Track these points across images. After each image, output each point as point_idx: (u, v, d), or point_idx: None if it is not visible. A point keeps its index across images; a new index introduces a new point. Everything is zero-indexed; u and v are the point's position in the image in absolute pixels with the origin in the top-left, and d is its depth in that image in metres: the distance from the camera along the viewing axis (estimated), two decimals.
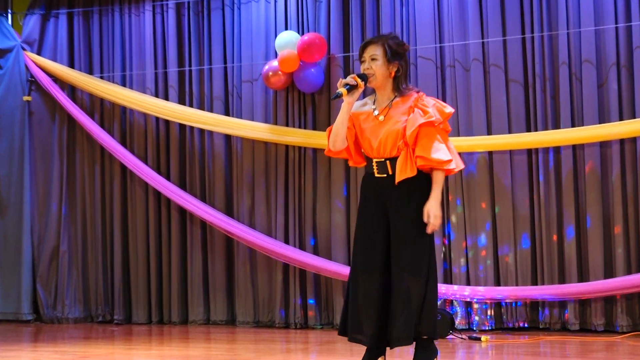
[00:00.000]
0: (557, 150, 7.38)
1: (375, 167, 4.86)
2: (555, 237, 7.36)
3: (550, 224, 7.38)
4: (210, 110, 8.55)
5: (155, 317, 8.70)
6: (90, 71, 9.04)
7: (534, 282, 7.42)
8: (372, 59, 4.82)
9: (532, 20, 7.48)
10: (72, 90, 9.02)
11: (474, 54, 7.61)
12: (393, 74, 4.85)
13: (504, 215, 7.51)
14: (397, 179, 4.73)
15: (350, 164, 5.09)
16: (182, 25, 8.75)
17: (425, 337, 4.81)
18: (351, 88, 4.73)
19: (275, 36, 8.21)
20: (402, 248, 4.74)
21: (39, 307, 9.02)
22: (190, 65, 8.68)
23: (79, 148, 9.06)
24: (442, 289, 7.43)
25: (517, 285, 7.42)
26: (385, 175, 4.82)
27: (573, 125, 7.32)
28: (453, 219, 7.64)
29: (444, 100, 7.64)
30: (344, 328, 4.94)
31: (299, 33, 8.15)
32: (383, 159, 4.82)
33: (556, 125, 7.39)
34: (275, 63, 8.00)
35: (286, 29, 8.26)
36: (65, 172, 9.03)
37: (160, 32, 8.81)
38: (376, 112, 4.86)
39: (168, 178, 8.64)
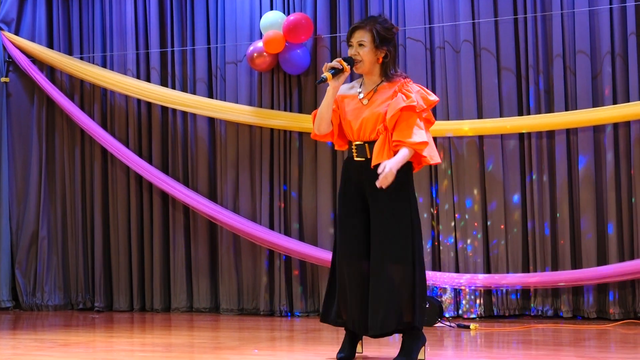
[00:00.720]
0: (550, 134, 7.32)
1: (354, 150, 4.92)
2: (547, 224, 7.31)
3: (542, 210, 7.33)
4: (194, 92, 8.47)
5: (137, 305, 8.63)
6: (69, 52, 8.93)
7: (525, 270, 7.38)
8: (360, 45, 4.86)
9: (525, 2, 7.41)
10: (51, 72, 8.93)
11: (464, 35, 7.54)
12: (381, 59, 4.90)
13: (495, 201, 7.45)
14: (373, 162, 4.77)
15: (336, 148, 5.12)
16: (164, 4, 8.64)
17: (413, 326, 4.80)
18: (337, 72, 4.80)
19: (260, 16, 8.13)
20: (382, 234, 4.79)
21: (18, 294, 8.93)
22: (172, 46, 8.59)
23: (58, 131, 8.97)
24: (431, 275, 7.38)
25: (507, 272, 7.38)
26: (363, 159, 4.88)
27: (567, 109, 7.28)
28: (442, 204, 7.58)
29: (434, 82, 7.63)
30: (326, 315, 5.03)
31: (284, 13, 8.07)
32: (362, 142, 4.88)
33: (550, 110, 7.34)
34: (260, 44, 7.93)
35: (271, 8, 8.19)
36: (45, 156, 8.93)
37: (142, 12, 8.69)
38: (361, 96, 4.92)
39: (150, 162, 8.56)
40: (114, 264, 8.74)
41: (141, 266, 8.66)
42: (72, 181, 8.92)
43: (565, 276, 7.09)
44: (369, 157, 4.84)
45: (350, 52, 4.87)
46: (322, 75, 4.77)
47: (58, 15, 8.95)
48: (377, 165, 4.74)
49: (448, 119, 7.54)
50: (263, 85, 8.18)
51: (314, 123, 5.01)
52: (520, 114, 7.42)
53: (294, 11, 8.08)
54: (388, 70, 4.91)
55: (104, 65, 8.79)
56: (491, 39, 7.49)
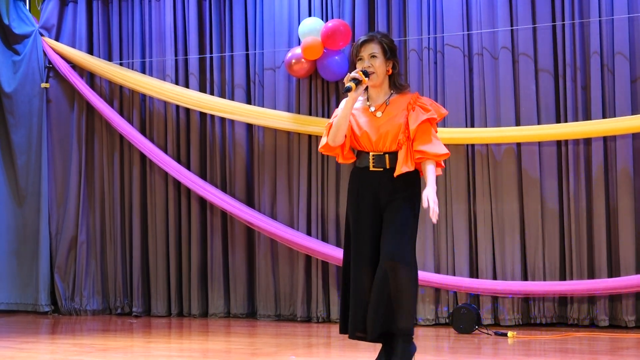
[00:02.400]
0: (587, 142, 7.39)
1: (371, 161, 5.00)
2: (584, 231, 7.38)
3: (579, 218, 7.40)
4: (232, 98, 8.60)
5: (174, 310, 8.77)
6: (109, 58, 9.09)
7: (563, 277, 7.45)
8: (372, 57, 4.97)
9: (563, 7, 7.48)
10: (90, 77, 9.09)
11: (502, 42, 7.62)
12: (390, 71, 5.03)
13: (532, 208, 7.53)
14: (397, 171, 4.89)
15: (340, 160, 5.17)
16: (203, 11, 8.78)
17: (406, 332, 4.90)
18: (358, 83, 4.86)
19: (299, 23, 8.25)
20: (390, 235, 4.88)
21: (57, 298, 9.10)
22: (211, 52, 8.70)
23: (97, 136, 9.13)
24: (468, 282, 7.51)
25: (545, 280, 7.46)
26: (381, 169, 4.98)
27: (604, 117, 7.32)
28: (480, 211, 7.67)
29: (472, 89, 7.76)
30: (344, 325, 5.07)
31: (322, 20, 8.17)
32: (382, 153, 4.97)
33: (587, 117, 7.40)
34: (298, 50, 8.04)
35: (310, 15, 8.30)
36: (84, 161, 9.09)
37: (181, 18, 8.84)
38: (372, 109, 5.02)
39: (188, 167, 8.69)
40: (152, 269, 8.87)
41: (179, 271, 8.80)
42: (111, 186, 9.06)
43: (603, 284, 7.16)
44: (387, 167, 4.95)
45: (362, 65, 4.95)
46: (347, 85, 4.84)
47: (98, 21, 9.12)
48: (396, 176, 4.88)
49: (486, 126, 7.63)
50: (301, 92, 8.29)
51: (327, 135, 5.05)
52: (558, 120, 7.50)
53: (332, 18, 8.19)
54: (397, 82, 5.05)
55: (143, 71, 8.94)
56: (529, 46, 7.57)
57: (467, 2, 7.79)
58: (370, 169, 5.00)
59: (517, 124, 7.60)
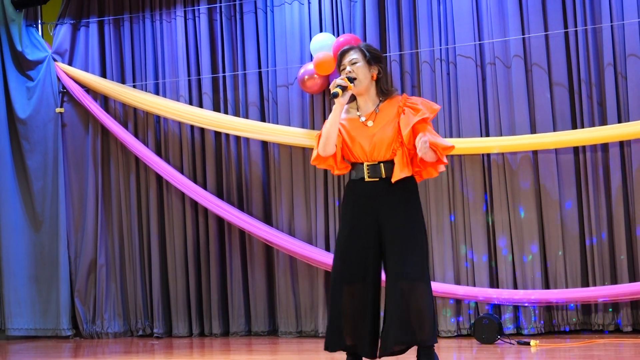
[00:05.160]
0: (604, 147, 7.44)
1: (366, 171, 4.99)
2: (605, 237, 7.43)
3: (599, 224, 7.45)
4: (246, 116, 8.67)
5: (196, 330, 8.82)
6: (122, 80, 9.18)
7: (585, 284, 7.50)
8: (353, 63, 5.01)
9: (575, 13, 7.55)
10: (104, 100, 9.17)
11: (514, 51, 7.68)
12: (375, 76, 5.05)
13: (551, 216, 7.59)
14: (395, 177, 4.90)
15: (335, 172, 5.18)
16: (214, 31, 8.87)
17: (428, 344, 4.91)
18: (344, 89, 4.91)
19: (310, 39, 8.33)
20: (399, 252, 4.86)
21: (78, 322, 9.15)
22: (224, 71, 8.79)
23: (113, 159, 9.20)
24: (489, 292, 7.56)
25: (567, 287, 7.51)
26: (377, 178, 4.97)
27: (619, 121, 7.39)
28: (498, 221, 7.72)
29: (485, 99, 7.81)
30: (331, 343, 5.05)
31: (334, 35, 8.27)
32: (376, 162, 4.97)
33: (603, 121, 7.45)
34: (310, 66, 8.12)
35: (321, 30, 8.38)
36: (100, 184, 9.16)
37: (193, 38, 8.93)
38: (363, 119, 5.03)
39: (205, 187, 8.76)
40: (172, 289, 8.93)
41: (199, 291, 8.85)
42: (128, 208, 9.13)
43: (625, 289, 7.19)
44: (384, 176, 4.94)
45: (344, 73, 5.00)
46: (334, 91, 4.86)
47: (110, 44, 9.21)
48: (393, 185, 4.92)
49: (501, 135, 7.69)
50: (315, 107, 8.36)
51: (317, 146, 5.04)
52: (574, 126, 7.54)
53: (344, 32, 8.26)
54: (383, 87, 5.05)
55: (156, 93, 9.02)
56: (542, 53, 7.63)
57: (478, 12, 7.86)
58: (366, 180, 4.99)
59: (533, 132, 7.66)
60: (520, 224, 7.66)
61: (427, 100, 5.11)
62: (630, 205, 7.38)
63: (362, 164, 5.01)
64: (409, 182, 4.99)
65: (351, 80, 4.95)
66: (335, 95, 4.87)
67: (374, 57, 5.05)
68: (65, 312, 9.13)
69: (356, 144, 5.00)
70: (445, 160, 5.01)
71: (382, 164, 4.96)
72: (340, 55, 5.09)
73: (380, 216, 4.96)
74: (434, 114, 5.03)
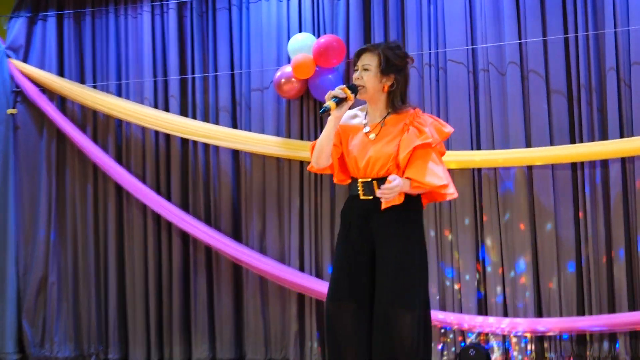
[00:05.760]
0: (604, 164, 7.47)
1: (360, 188, 4.99)
2: (604, 261, 7.45)
3: (597, 247, 7.48)
4: (216, 122, 8.66)
5: (155, 356, 8.74)
6: (82, 80, 9.13)
7: (581, 312, 7.51)
8: (365, 69, 4.98)
9: (576, 19, 7.59)
10: (62, 102, 9.12)
11: (510, 57, 7.71)
12: (387, 88, 5.00)
13: (545, 237, 7.62)
14: (384, 205, 4.83)
15: (335, 180, 5.21)
16: (184, 28, 8.85)
17: None
18: (340, 101, 4.88)
19: (288, 39, 8.33)
20: (390, 278, 4.84)
21: (25, 345, 9.05)
22: (193, 73, 8.78)
23: (69, 166, 9.14)
24: (478, 320, 7.58)
25: (561, 315, 7.53)
26: (371, 197, 4.95)
27: (622, 136, 7.42)
28: (488, 241, 7.74)
29: (477, 108, 7.83)
30: None
31: (314, 35, 8.26)
32: (370, 180, 4.96)
33: (603, 136, 7.49)
34: (288, 69, 8.11)
35: (300, 30, 8.38)
36: (55, 193, 9.11)
37: (160, 36, 8.91)
38: (367, 129, 5.03)
39: (169, 199, 8.72)
40: (130, 311, 8.86)
41: (159, 313, 8.79)
42: (84, 221, 9.07)
43: (624, 319, 7.22)
44: (377, 195, 4.85)
45: (355, 76, 5.01)
46: (325, 105, 4.84)
47: (70, 40, 9.18)
48: (383, 209, 4.86)
49: (494, 148, 7.73)
50: (292, 114, 8.36)
51: (312, 155, 5.07)
52: (573, 140, 7.58)
53: (325, 33, 8.27)
54: (395, 101, 4.98)
55: (119, 94, 8.97)
56: (539, 60, 7.66)
57: (472, 14, 7.89)
58: (360, 198, 4.99)
59: (528, 145, 7.69)
60: (513, 245, 7.68)
61: (440, 121, 5.07)
62: (632, 227, 7.41)
63: (357, 180, 5.03)
64: (409, 202, 4.93)
65: (354, 89, 4.93)
66: (326, 110, 4.85)
67: (392, 67, 4.97)
68: (11, 334, 9.03)
69: (351, 158, 5.03)
70: (450, 191, 4.94)
71: (375, 181, 4.95)
72: (356, 55, 5.07)
73: (374, 237, 4.96)
74: (442, 138, 5.00)
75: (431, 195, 5.05)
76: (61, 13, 9.25)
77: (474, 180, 7.83)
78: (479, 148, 7.84)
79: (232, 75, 8.70)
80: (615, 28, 7.44)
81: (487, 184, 7.76)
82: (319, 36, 8.27)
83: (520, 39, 7.75)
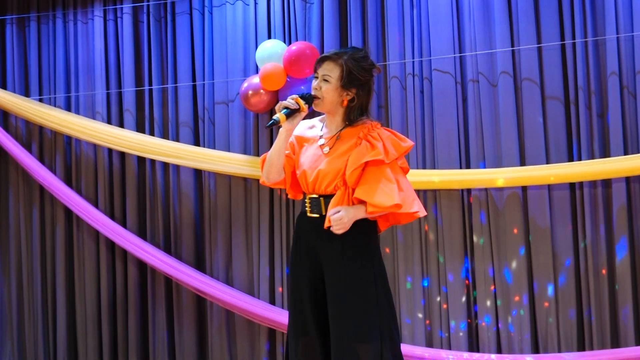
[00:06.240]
0: (606, 183, 7.41)
1: (308, 205, 5.04)
2: (606, 290, 7.36)
3: (598, 274, 7.39)
4: (176, 139, 8.63)
5: None
6: (26, 92, 9.12)
7: (581, 347, 7.44)
8: (324, 80, 4.99)
9: (574, 24, 7.52)
10: (3, 117, 9.10)
11: (502, 66, 7.64)
12: (346, 102, 5.01)
13: (542, 264, 7.53)
14: (326, 223, 4.84)
15: (290, 195, 5.27)
16: (140, 34, 8.82)
17: None
18: (291, 113, 4.91)
19: (256, 46, 8.29)
20: (340, 308, 4.84)
21: None
22: (150, 84, 8.74)
23: (12, 188, 9.13)
24: (468, 358, 7.45)
25: (559, 351, 7.44)
26: (318, 215, 4.99)
27: (625, 153, 7.36)
28: (479, 271, 7.65)
29: (466, 122, 7.76)
30: None
31: (285, 42, 8.23)
32: (317, 196, 4.99)
33: (605, 153, 7.43)
34: (256, 80, 8.05)
35: (269, 37, 8.34)
36: None
37: (114, 43, 8.87)
38: (322, 141, 5.06)
39: (124, 224, 8.70)
40: (81, 348, 8.81)
41: (114, 351, 8.74)
42: (29, 249, 9.03)
43: (629, 353, 7.12)
44: (324, 213, 4.93)
45: (313, 84, 5.02)
46: (274, 117, 4.87)
47: (12, 48, 9.14)
48: (326, 227, 4.85)
49: (485, 167, 7.66)
50: (260, 129, 8.30)
51: (262, 169, 5.15)
52: (571, 158, 7.51)
53: (297, 39, 8.22)
54: (352, 115, 5.00)
55: (67, 108, 8.94)
56: (534, 69, 7.58)
57: (459, 18, 7.82)
58: (308, 215, 5.03)
59: (522, 163, 7.62)
60: (505, 275, 7.60)
61: (398, 135, 5.07)
62: (637, 253, 7.35)
63: (305, 195, 5.08)
64: (358, 222, 4.88)
65: (309, 100, 4.96)
66: (274, 123, 4.87)
67: (354, 80, 4.97)
68: None
69: (302, 172, 5.07)
70: (414, 209, 4.93)
71: (322, 198, 4.97)
72: (318, 61, 5.07)
73: (321, 259, 4.98)
74: (401, 154, 5.01)
75: (393, 216, 5.06)
76: (2, 18, 9.21)
77: (463, 202, 7.76)
78: (468, 166, 7.76)
79: (194, 87, 8.66)
80: (617, 34, 7.38)
81: (478, 207, 7.69)
82: (290, 43, 8.23)
83: (512, 45, 7.68)
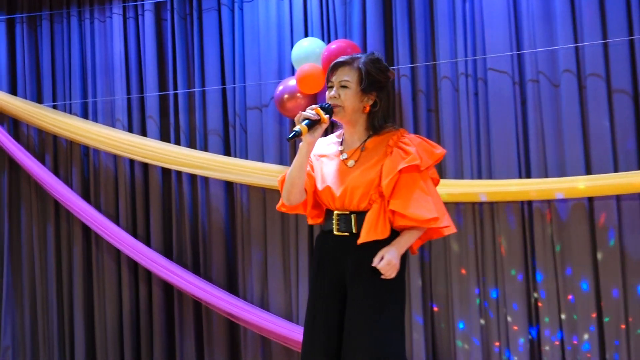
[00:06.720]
0: None
1: (335, 222, 5.04)
2: None
3: None
4: (204, 148, 8.63)
5: None
6: (39, 99, 9.16)
7: None
8: (342, 86, 5.03)
9: None
10: (14, 125, 9.16)
11: (565, 64, 7.55)
12: (368, 108, 5.07)
13: (611, 284, 7.39)
14: (362, 238, 4.88)
15: (310, 222, 5.28)
16: (163, 34, 8.86)
17: None
18: (312, 124, 4.94)
19: (292, 45, 8.27)
20: (359, 329, 4.85)
21: None
22: (175, 88, 8.76)
23: (25, 203, 9.18)
24: None
25: None
26: (347, 233, 5.01)
27: None
28: (543, 290, 7.54)
29: (525, 127, 7.70)
30: None
31: (323, 40, 8.19)
32: (347, 212, 5.00)
33: None
34: (292, 82, 8.04)
35: (306, 35, 8.33)
36: (7, 237, 9.14)
37: (134, 44, 8.90)
38: (344, 156, 5.09)
39: (148, 243, 8.71)
40: None
41: None
42: (44, 271, 9.05)
43: None
44: (354, 231, 4.95)
45: (329, 94, 5.05)
46: (295, 129, 4.89)
47: (23, 50, 9.20)
48: (365, 243, 4.88)
49: (546, 175, 7.56)
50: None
51: (281, 190, 5.15)
52: None
53: (337, 38, 8.19)
54: (376, 122, 5.06)
55: (84, 116, 8.97)
56: (600, 67, 7.48)
57: (516, 13, 7.75)
58: (334, 234, 5.04)
59: (588, 171, 7.51)
60: (573, 294, 7.48)
61: (428, 142, 5.12)
62: None
63: (332, 212, 5.08)
64: (388, 239, 4.95)
65: (329, 110, 4.99)
66: (296, 135, 4.90)
67: (374, 83, 5.04)
68: None
69: (325, 188, 5.07)
70: (444, 224, 5.00)
71: (353, 215, 5.00)
72: (331, 69, 5.11)
73: (347, 281, 5.00)
74: (434, 161, 5.07)
75: (426, 232, 5.12)
76: (12, 17, 9.26)
77: (523, 215, 7.68)
78: (528, 176, 7.68)
79: (224, 91, 8.67)
80: None
81: (540, 220, 7.58)
82: (329, 41, 8.22)
83: (576, 41, 7.58)
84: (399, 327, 4.95)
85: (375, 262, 4.81)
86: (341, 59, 5.08)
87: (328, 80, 5.08)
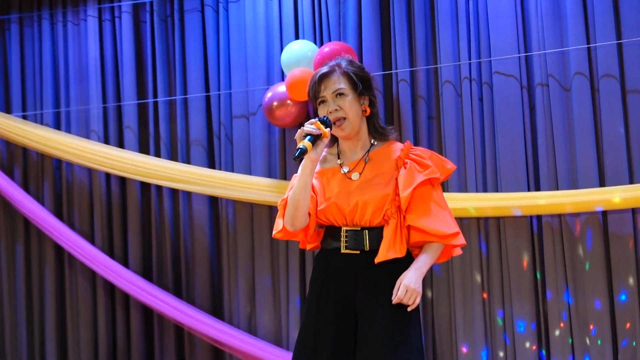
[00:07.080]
0: None
1: (344, 240, 4.96)
2: None
3: None
4: (187, 161, 8.64)
5: None
6: (7, 108, 9.17)
7: None
8: (338, 95, 4.98)
9: None
10: None
11: (576, 66, 7.50)
12: (368, 110, 5.06)
13: (628, 303, 7.32)
14: (381, 257, 4.83)
15: (308, 247, 5.19)
16: (142, 37, 8.87)
17: None
18: (315, 139, 4.86)
19: (282, 49, 8.24)
20: (378, 354, 4.76)
21: None
22: (155, 96, 8.76)
23: None
24: None
25: None
26: (358, 251, 4.93)
27: None
28: (553, 311, 7.46)
29: (534, 134, 7.67)
30: None
31: (316, 43, 8.17)
32: (359, 228, 4.93)
33: None
34: (282, 88, 8.01)
35: (297, 37, 8.31)
36: None
37: (111, 48, 8.91)
38: (345, 169, 5.04)
39: (125, 263, 8.69)
40: None
41: None
42: (12, 293, 9.09)
43: None
44: (367, 249, 4.89)
45: (326, 109, 4.97)
46: (300, 146, 4.81)
47: None
48: (377, 262, 4.83)
49: (557, 188, 7.50)
50: (287, 147, 8.25)
51: (283, 215, 5.05)
52: None
53: (329, 40, 8.18)
54: (377, 124, 5.07)
55: (57, 126, 8.99)
56: (614, 69, 7.43)
57: (524, 13, 7.72)
58: (342, 252, 4.95)
59: (602, 183, 7.46)
60: (585, 314, 7.41)
61: (438, 156, 5.12)
62: None
63: (340, 228, 5.00)
64: (402, 260, 4.92)
65: (328, 124, 4.91)
66: (302, 153, 4.82)
67: (365, 83, 5.05)
68: None
69: (330, 205, 4.99)
70: (461, 241, 4.99)
71: (366, 231, 4.93)
72: (318, 83, 5.03)
73: (357, 305, 4.92)
74: (444, 177, 5.08)
75: (444, 253, 5.12)
76: None
77: (532, 230, 7.63)
78: (537, 188, 7.63)
79: (208, 98, 8.68)
80: None
81: (550, 235, 7.53)
82: (321, 44, 8.20)
83: (588, 42, 7.54)
84: (420, 352, 4.87)
85: (396, 297, 4.74)
86: (323, 70, 5.01)
87: (317, 96, 5.02)
